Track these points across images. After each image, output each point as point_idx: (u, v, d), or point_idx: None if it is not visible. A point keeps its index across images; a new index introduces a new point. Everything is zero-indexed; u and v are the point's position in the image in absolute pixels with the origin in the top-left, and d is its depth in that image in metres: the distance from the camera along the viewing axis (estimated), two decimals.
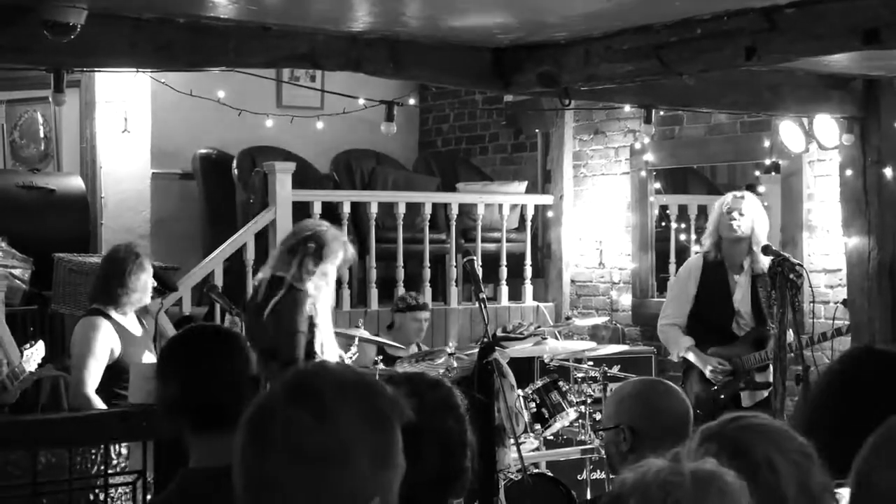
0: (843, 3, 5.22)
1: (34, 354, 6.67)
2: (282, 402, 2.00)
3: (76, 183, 9.65)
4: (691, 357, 7.62)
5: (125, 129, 9.64)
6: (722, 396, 7.51)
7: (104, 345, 6.60)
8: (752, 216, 7.56)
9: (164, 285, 7.41)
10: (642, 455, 3.57)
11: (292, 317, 6.69)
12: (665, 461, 2.14)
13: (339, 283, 10.11)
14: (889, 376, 3.43)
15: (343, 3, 5.61)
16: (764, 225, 7.66)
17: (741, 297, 7.66)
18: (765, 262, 7.51)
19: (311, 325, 6.71)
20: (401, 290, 10.02)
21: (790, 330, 6.92)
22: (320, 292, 6.81)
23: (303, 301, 6.70)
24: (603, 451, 7.52)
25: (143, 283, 6.81)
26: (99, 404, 6.46)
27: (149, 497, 5.45)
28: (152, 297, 7.33)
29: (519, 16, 5.83)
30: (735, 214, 7.54)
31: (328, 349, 6.84)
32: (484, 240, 10.59)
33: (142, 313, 7.08)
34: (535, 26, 6.01)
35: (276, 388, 2.05)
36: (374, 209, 10.19)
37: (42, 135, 10.38)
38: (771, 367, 7.51)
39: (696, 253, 8.16)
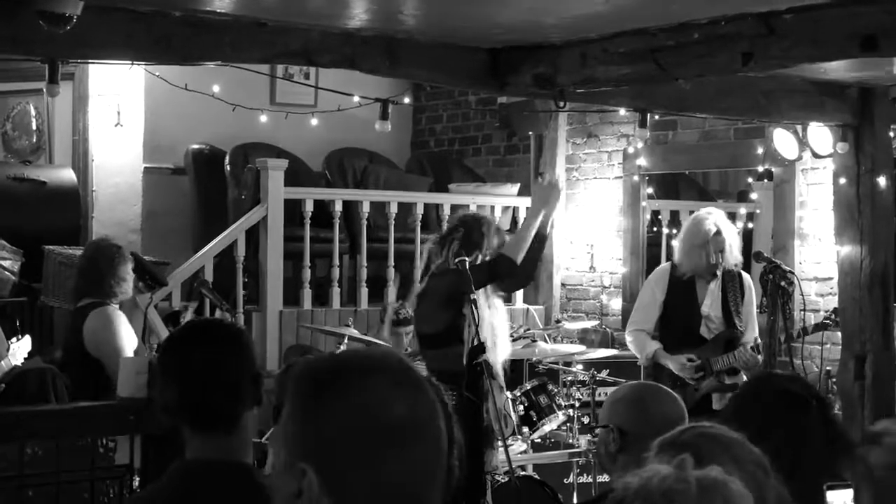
0: (841, 10, 5.21)
1: (21, 348, 6.67)
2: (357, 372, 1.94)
3: (68, 176, 9.63)
4: (660, 358, 7.64)
5: (118, 122, 9.62)
6: (692, 397, 7.55)
7: (129, 330, 6.71)
8: (730, 242, 7.58)
9: (153, 280, 7.43)
10: (631, 456, 3.58)
11: (432, 301, 6.82)
12: (670, 468, 2.12)
13: (328, 281, 10.13)
14: (777, 405, 3.47)
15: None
16: (737, 241, 7.70)
17: (711, 303, 7.68)
18: (732, 261, 7.55)
19: (459, 308, 6.76)
20: (392, 295, 10.02)
21: (780, 336, 6.95)
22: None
23: (444, 284, 6.79)
24: (590, 455, 7.53)
25: (130, 274, 6.92)
26: None
27: (135, 490, 5.43)
28: (142, 292, 7.34)
29: (516, 16, 5.82)
30: (719, 256, 7.56)
31: (495, 335, 6.86)
32: None
33: (131, 308, 7.09)
34: (532, 27, 5.99)
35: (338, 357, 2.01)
36: (365, 208, 10.18)
37: (34, 127, 10.35)
38: (741, 370, 7.60)
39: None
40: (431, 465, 1.93)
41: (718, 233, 7.55)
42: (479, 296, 6.76)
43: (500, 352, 6.90)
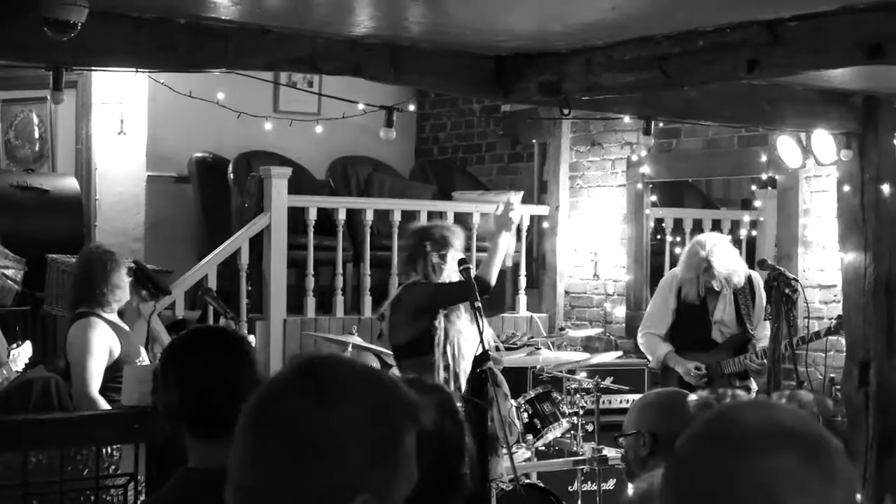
0: (847, 17, 5.20)
1: (21, 355, 6.66)
2: (286, 386, 1.95)
3: (71, 184, 9.62)
4: (670, 362, 7.72)
5: (121, 130, 9.61)
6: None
7: (102, 345, 6.62)
8: (727, 266, 7.63)
9: (157, 288, 7.41)
10: (662, 461, 3.60)
11: (405, 311, 6.83)
12: None
13: (332, 290, 10.12)
14: None
15: (344, 6, 5.58)
16: (735, 259, 7.75)
17: (724, 308, 7.76)
18: (741, 278, 7.62)
19: (431, 319, 6.78)
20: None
21: (784, 342, 6.95)
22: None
23: (417, 294, 6.81)
24: (594, 463, 7.52)
25: (125, 280, 6.87)
26: (104, 405, 6.46)
27: (140, 500, 5.41)
28: (145, 301, 7.31)
29: (521, 24, 5.81)
30: (716, 284, 7.62)
31: (463, 341, 6.86)
32: (479, 249, 10.55)
33: (134, 317, 7.07)
34: (538, 35, 5.99)
35: (284, 371, 2.00)
36: (369, 216, 10.17)
37: (37, 135, 10.34)
38: (751, 374, 7.64)
39: None
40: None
41: (709, 267, 7.62)
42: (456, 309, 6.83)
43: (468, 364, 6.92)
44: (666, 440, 3.88)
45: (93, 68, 7.75)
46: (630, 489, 2.20)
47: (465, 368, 6.87)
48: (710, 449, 1.71)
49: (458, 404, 2.97)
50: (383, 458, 1.93)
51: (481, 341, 6.53)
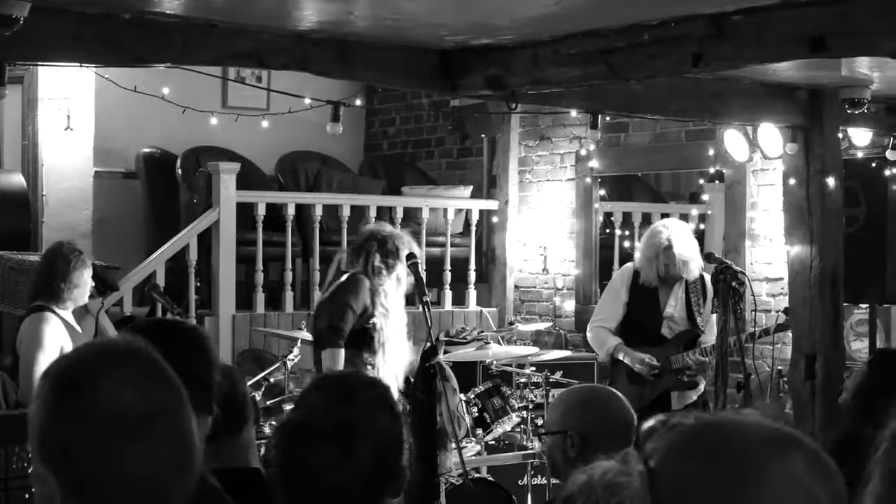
0: (790, 11, 5.23)
1: None
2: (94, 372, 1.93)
3: (17, 180, 9.55)
4: (620, 355, 7.72)
5: (68, 126, 9.55)
6: (649, 394, 7.62)
7: (54, 340, 6.57)
8: (684, 259, 7.64)
9: (105, 285, 7.38)
10: (591, 461, 3.61)
11: (344, 294, 6.78)
12: (614, 462, 2.12)
13: (281, 285, 10.10)
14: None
15: (290, 1, 5.56)
16: (695, 248, 7.76)
17: (675, 304, 7.76)
18: (696, 270, 7.64)
19: (369, 316, 6.75)
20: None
21: (731, 337, 6.98)
22: (387, 287, 6.87)
23: (361, 286, 6.77)
24: (545, 457, 7.54)
25: (86, 280, 6.82)
26: None
27: None
28: (93, 297, 7.27)
29: (467, 17, 5.81)
30: (669, 269, 7.64)
31: (393, 346, 6.82)
32: (428, 244, 10.57)
33: (82, 313, 7.03)
34: (483, 29, 5.99)
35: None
36: (318, 211, 10.16)
37: None
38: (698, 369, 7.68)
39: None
40: (172, 455, 1.92)
41: (669, 248, 7.62)
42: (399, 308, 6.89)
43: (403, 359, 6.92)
44: (595, 439, 3.83)
45: (37, 63, 7.69)
46: (569, 482, 2.20)
47: (400, 364, 6.88)
48: (712, 462, 1.62)
49: (397, 398, 2.97)
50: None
51: (429, 336, 6.53)
